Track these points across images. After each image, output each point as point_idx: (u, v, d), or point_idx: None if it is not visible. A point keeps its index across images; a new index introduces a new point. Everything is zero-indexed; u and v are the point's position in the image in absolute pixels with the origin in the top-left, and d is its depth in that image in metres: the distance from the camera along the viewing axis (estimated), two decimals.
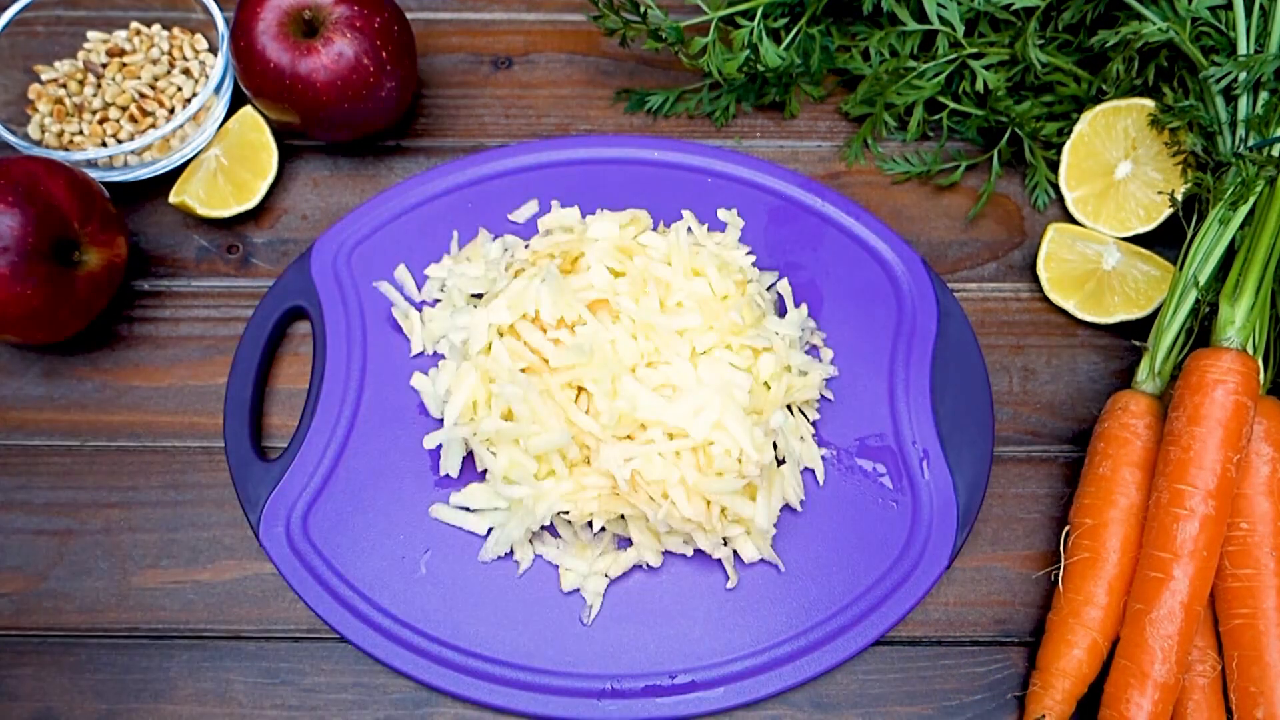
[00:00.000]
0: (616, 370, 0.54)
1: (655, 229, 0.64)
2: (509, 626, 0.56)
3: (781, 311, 0.63)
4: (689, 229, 0.63)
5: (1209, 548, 0.52)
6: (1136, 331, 0.65)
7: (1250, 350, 0.55)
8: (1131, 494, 0.56)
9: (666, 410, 0.53)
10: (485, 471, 0.58)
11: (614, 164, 0.68)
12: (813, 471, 0.59)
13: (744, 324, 0.57)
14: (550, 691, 0.54)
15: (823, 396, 0.61)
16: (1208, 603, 0.55)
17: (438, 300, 0.64)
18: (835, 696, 0.57)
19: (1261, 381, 0.56)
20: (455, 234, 0.65)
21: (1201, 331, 0.59)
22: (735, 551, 0.57)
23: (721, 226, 0.66)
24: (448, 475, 0.58)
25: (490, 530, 0.58)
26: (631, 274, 0.58)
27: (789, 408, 0.60)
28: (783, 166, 0.68)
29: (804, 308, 0.62)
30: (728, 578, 0.57)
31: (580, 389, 0.55)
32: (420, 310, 0.63)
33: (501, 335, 0.56)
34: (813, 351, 0.62)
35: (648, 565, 0.57)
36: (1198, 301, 0.58)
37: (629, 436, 0.54)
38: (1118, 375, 0.65)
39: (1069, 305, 0.65)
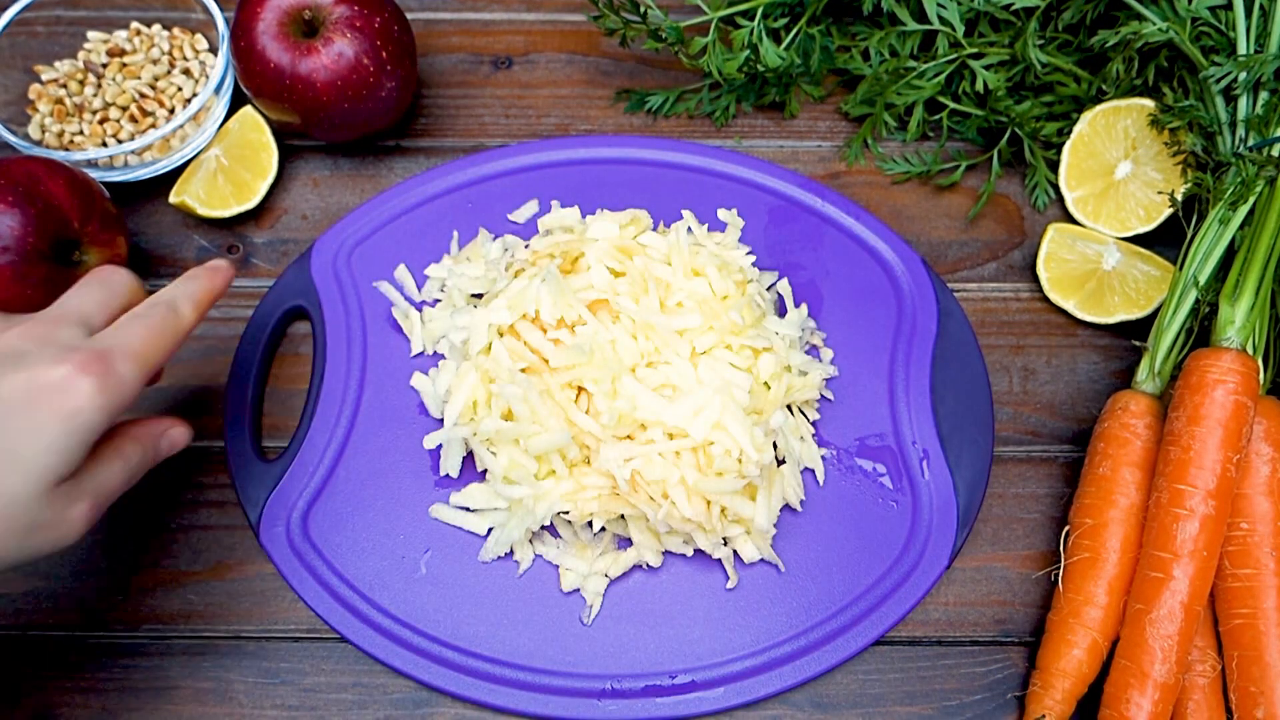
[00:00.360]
0: (616, 370, 0.54)
1: (655, 229, 0.64)
2: (509, 626, 0.56)
3: (781, 311, 0.63)
4: (689, 229, 0.62)
5: (1209, 548, 0.52)
6: (1136, 331, 0.65)
7: (1250, 350, 0.55)
8: (1131, 494, 0.56)
9: (666, 410, 0.53)
10: (485, 471, 0.57)
11: (614, 164, 0.67)
12: (813, 471, 0.59)
13: (744, 324, 0.57)
14: (550, 691, 0.54)
15: (823, 396, 0.61)
16: (1208, 603, 0.55)
17: (438, 300, 0.64)
18: (835, 696, 0.57)
19: (1261, 381, 0.56)
20: (455, 234, 0.65)
21: (1201, 331, 0.58)
22: (735, 551, 0.57)
23: (721, 226, 0.66)
24: (448, 475, 0.58)
25: (490, 530, 0.57)
26: (631, 274, 0.57)
27: (789, 408, 0.60)
28: (783, 166, 0.68)
29: (804, 308, 0.62)
30: (728, 578, 0.57)
31: (580, 389, 0.55)
32: (420, 310, 0.63)
33: (501, 335, 0.56)
34: (812, 351, 0.62)
35: (648, 565, 0.57)
36: (1198, 301, 0.58)
37: (629, 436, 0.54)
38: (1118, 375, 0.65)
39: (1069, 305, 0.65)
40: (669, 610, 0.56)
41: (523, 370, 0.55)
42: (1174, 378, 0.57)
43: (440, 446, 0.59)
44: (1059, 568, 0.57)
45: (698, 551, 0.57)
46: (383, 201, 0.66)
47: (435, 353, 0.62)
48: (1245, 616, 0.53)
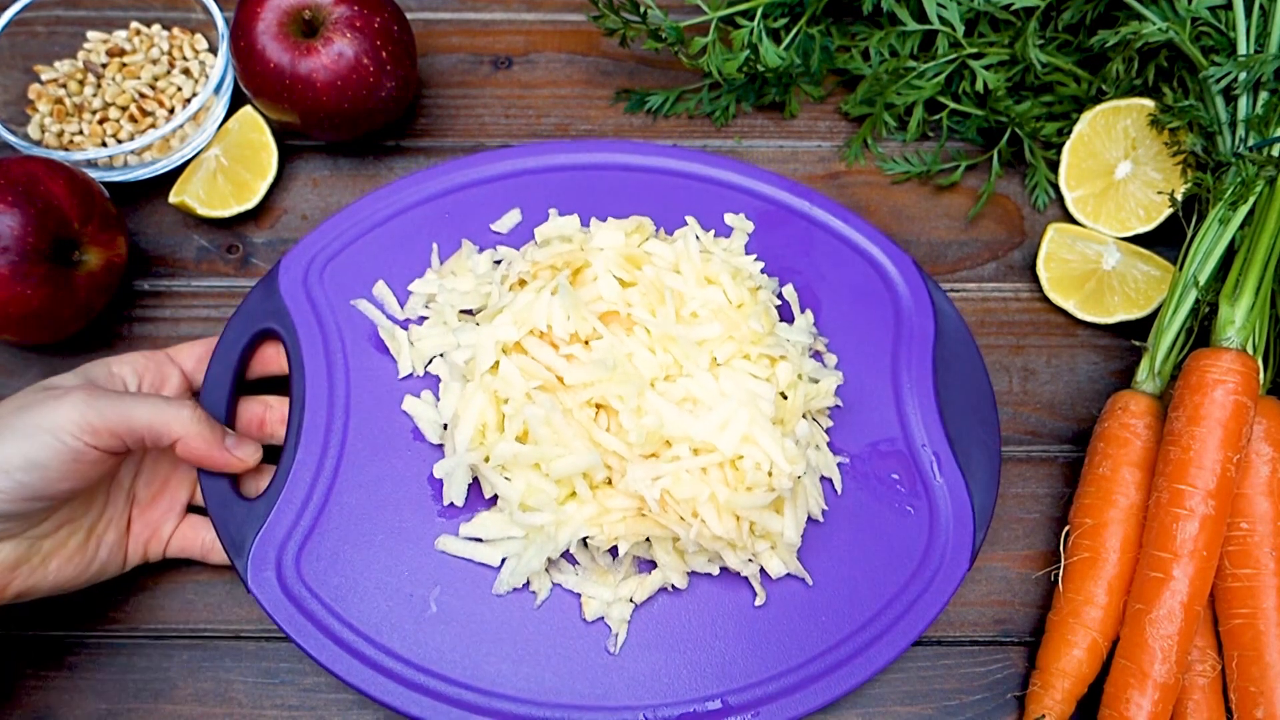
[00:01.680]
0: (640, 385, 0.50)
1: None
2: (532, 662, 0.52)
3: (784, 318, 0.60)
4: (695, 235, 0.59)
5: (1209, 548, 0.52)
6: (1136, 331, 0.64)
7: (1250, 350, 0.55)
8: (1131, 494, 0.56)
9: (694, 425, 0.49)
10: (494, 498, 0.54)
11: (594, 170, 0.64)
12: (830, 481, 0.56)
13: (763, 332, 0.54)
14: None
15: None
16: (1208, 603, 0.55)
17: (423, 318, 0.59)
18: None
19: (1261, 381, 0.55)
20: (435, 246, 0.61)
21: (1201, 331, 0.58)
22: (761, 567, 0.53)
23: (719, 232, 0.62)
24: (452, 504, 0.54)
25: (504, 560, 0.53)
26: (644, 284, 0.54)
27: (804, 416, 0.57)
28: (770, 170, 0.65)
29: (809, 313, 0.59)
30: (755, 595, 0.53)
31: (599, 406, 0.51)
32: (405, 329, 0.58)
33: (507, 353, 0.52)
34: (816, 357, 0.59)
35: (672, 587, 0.53)
36: (1198, 301, 0.58)
37: (653, 454, 0.51)
38: (1118, 375, 0.64)
39: (1069, 305, 0.65)
40: (698, 633, 0.53)
41: (536, 389, 0.51)
42: (1174, 378, 0.57)
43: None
44: (1059, 568, 0.57)
45: (723, 570, 0.54)
46: (353, 214, 0.61)
47: (426, 373, 0.58)
48: (1245, 616, 0.53)
